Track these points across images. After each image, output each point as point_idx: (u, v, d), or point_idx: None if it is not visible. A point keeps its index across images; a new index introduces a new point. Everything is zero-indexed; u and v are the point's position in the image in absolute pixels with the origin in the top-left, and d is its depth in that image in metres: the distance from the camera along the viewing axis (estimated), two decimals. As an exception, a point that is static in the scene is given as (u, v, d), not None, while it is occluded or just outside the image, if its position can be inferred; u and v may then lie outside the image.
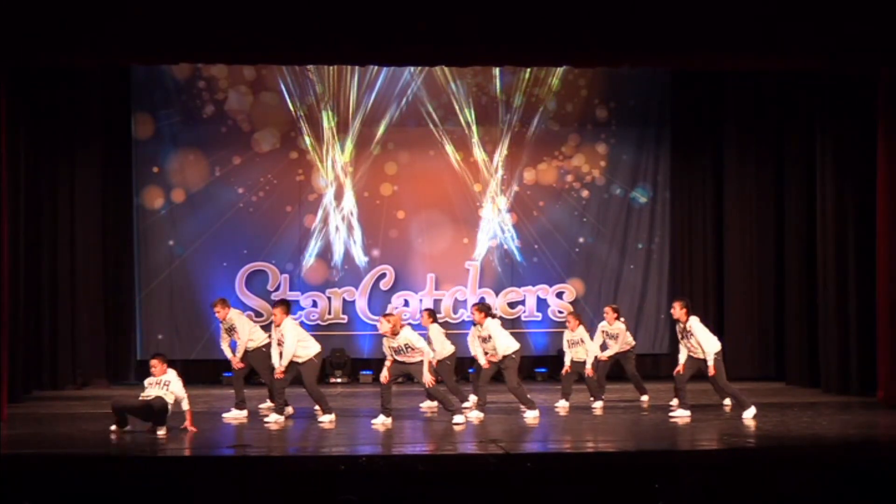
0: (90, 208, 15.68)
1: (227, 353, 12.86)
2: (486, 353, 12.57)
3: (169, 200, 16.14)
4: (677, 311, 12.46)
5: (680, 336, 12.51)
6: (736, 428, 11.65)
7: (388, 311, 12.84)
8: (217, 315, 12.88)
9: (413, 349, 11.82)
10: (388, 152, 16.47)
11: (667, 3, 12.14)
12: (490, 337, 12.47)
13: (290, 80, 16.17)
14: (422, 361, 11.83)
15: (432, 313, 13.62)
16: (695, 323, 12.36)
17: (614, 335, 13.67)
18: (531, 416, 12.37)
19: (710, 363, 12.20)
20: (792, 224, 15.68)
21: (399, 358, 11.90)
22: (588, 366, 13.26)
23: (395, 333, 11.81)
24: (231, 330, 12.76)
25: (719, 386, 12.50)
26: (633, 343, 14.02)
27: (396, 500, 8.38)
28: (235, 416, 12.54)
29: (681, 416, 12.25)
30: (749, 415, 12.14)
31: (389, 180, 16.50)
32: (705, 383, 13.02)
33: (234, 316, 12.82)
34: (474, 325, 12.73)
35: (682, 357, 12.45)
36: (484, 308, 12.75)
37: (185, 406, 11.47)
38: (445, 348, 13.28)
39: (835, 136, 14.39)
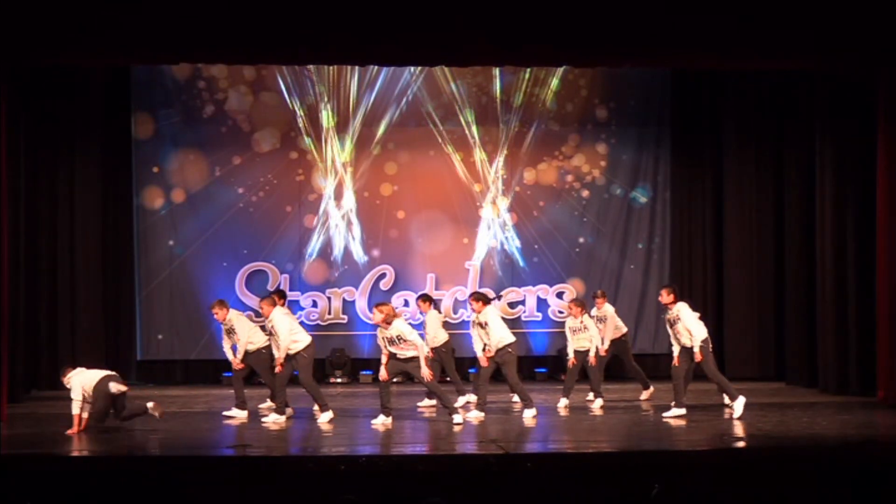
0: (90, 208, 15.67)
1: (229, 354, 12.87)
2: (484, 347, 12.54)
3: (169, 200, 16.12)
4: (664, 296, 12.53)
5: (668, 326, 12.53)
6: (735, 428, 11.66)
7: (381, 302, 12.81)
8: (216, 317, 12.89)
9: (405, 341, 11.83)
10: (388, 152, 16.46)
11: (667, 3, 12.15)
12: (486, 323, 12.45)
13: (290, 80, 16.16)
14: (417, 357, 11.84)
15: (427, 297, 13.61)
16: (683, 308, 12.40)
17: (602, 318, 13.72)
18: (529, 415, 12.37)
19: (696, 349, 12.22)
20: (792, 224, 15.67)
21: (392, 349, 11.90)
22: (591, 354, 13.25)
23: (387, 323, 11.84)
24: (231, 332, 12.76)
25: (708, 374, 12.49)
26: (626, 329, 14.08)
27: (396, 500, 8.38)
28: (236, 415, 12.55)
29: (675, 414, 12.24)
30: (739, 406, 12.15)
31: (389, 180, 16.49)
32: (706, 384, 13.02)
33: (234, 317, 12.83)
34: (473, 314, 12.71)
35: (676, 350, 12.48)
36: (481, 297, 12.75)
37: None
38: (439, 335, 13.30)
39: (835, 136, 14.38)
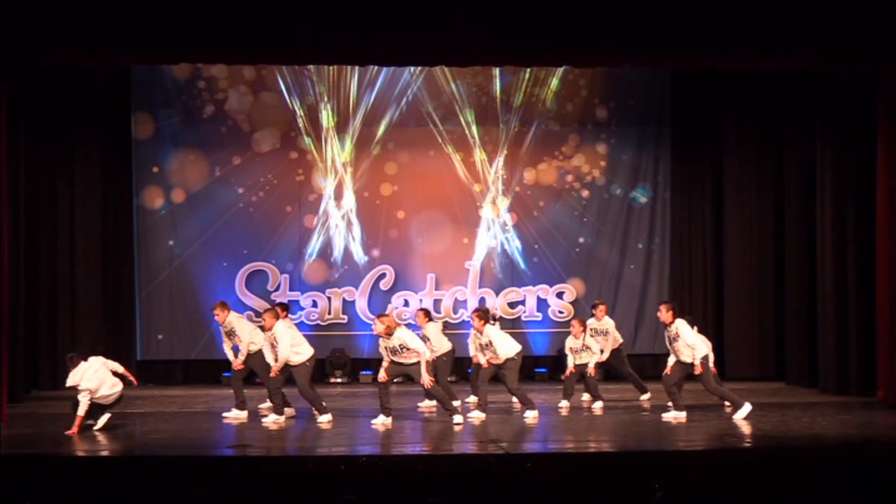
0: (90, 208, 15.66)
1: (230, 355, 12.87)
2: (486, 356, 12.58)
3: (169, 200, 16.12)
4: (663, 313, 12.47)
5: (668, 341, 12.48)
6: (735, 428, 11.66)
7: (382, 313, 12.85)
8: (216, 318, 12.89)
9: (408, 349, 11.83)
10: (388, 152, 16.46)
11: (667, 3, 12.15)
12: (490, 343, 12.47)
13: (290, 80, 16.16)
14: (419, 362, 11.84)
15: (427, 313, 13.67)
16: (681, 325, 12.34)
17: (602, 331, 13.71)
18: (531, 416, 12.37)
19: (697, 362, 12.18)
20: (792, 224, 15.67)
21: (395, 358, 11.91)
22: (590, 366, 13.27)
23: (389, 334, 11.84)
24: (231, 334, 12.77)
25: (709, 389, 12.46)
26: (622, 340, 14.09)
27: (396, 500, 8.38)
28: (236, 416, 12.55)
29: (674, 417, 12.22)
30: (743, 414, 12.11)
31: (389, 180, 16.49)
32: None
33: (234, 319, 12.83)
34: (473, 329, 12.74)
35: (671, 360, 12.47)
36: (483, 315, 12.73)
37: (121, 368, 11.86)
38: (443, 345, 13.31)
39: (835, 136, 14.38)
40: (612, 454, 10.44)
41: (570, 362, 13.40)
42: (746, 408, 12.15)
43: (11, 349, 13.08)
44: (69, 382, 11.51)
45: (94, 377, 11.47)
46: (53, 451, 10.54)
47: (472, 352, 12.91)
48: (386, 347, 11.93)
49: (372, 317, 15.99)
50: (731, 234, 16.49)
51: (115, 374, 11.71)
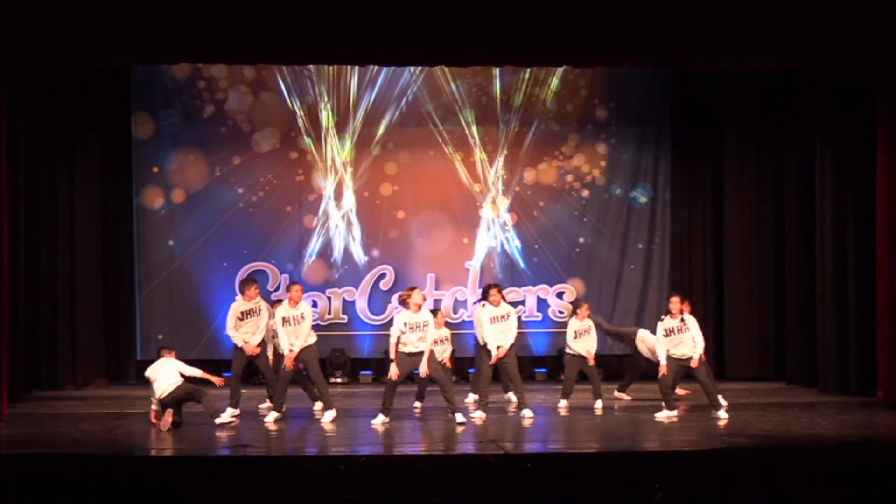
0: (90, 208, 15.66)
1: (238, 340, 12.70)
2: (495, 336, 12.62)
3: (169, 200, 16.11)
4: (678, 303, 12.55)
5: (671, 331, 12.50)
6: (735, 428, 11.67)
7: (413, 286, 12.86)
8: (247, 295, 12.73)
9: (423, 331, 11.96)
10: (388, 152, 16.45)
11: (667, 3, 12.15)
12: (507, 316, 12.60)
13: (290, 80, 16.15)
14: (422, 354, 11.90)
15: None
16: (691, 319, 12.50)
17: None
18: (528, 415, 12.38)
19: (696, 357, 12.25)
20: (792, 224, 15.67)
21: (410, 335, 11.90)
22: (591, 353, 13.32)
23: (418, 306, 11.98)
24: (251, 314, 12.66)
25: (700, 380, 12.50)
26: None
27: (396, 500, 8.38)
28: (231, 414, 12.50)
29: (666, 416, 12.25)
30: (722, 412, 12.24)
31: (389, 180, 16.49)
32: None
33: (264, 305, 12.85)
34: (487, 305, 12.75)
35: (663, 359, 12.46)
36: (501, 290, 12.97)
37: (199, 373, 12.11)
38: (447, 350, 13.34)
39: (835, 136, 14.39)
40: (612, 454, 10.44)
41: (580, 349, 13.38)
42: (723, 413, 12.30)
43: (11, 349, 13.08)
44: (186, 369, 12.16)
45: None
46: (53, 451, 10.54)
47: (479, 336, 12.85)
48: (406, 323, 11.93)
49: (372, 317, 16.05)
50: (731, 234, 16.49)
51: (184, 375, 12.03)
